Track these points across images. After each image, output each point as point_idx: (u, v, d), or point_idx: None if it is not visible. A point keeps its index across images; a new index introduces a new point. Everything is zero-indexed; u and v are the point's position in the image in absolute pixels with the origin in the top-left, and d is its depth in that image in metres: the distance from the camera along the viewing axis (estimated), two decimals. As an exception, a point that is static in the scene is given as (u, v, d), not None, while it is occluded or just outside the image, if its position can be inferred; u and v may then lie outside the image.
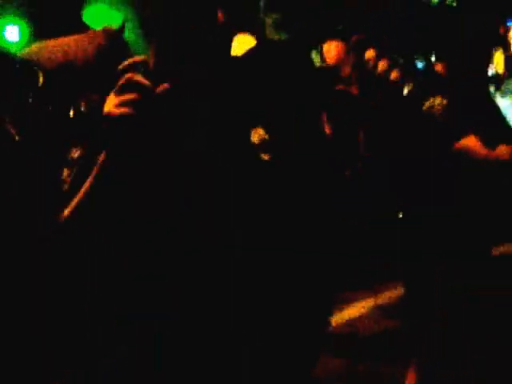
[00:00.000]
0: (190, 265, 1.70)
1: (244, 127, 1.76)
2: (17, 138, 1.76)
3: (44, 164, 1.76)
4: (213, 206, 1.71)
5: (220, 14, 1.70)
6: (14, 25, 9.07)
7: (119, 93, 1.57)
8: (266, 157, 1.75)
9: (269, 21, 11.33)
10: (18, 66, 1.83)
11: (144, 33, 1.77)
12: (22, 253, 1.74)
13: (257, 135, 1.75)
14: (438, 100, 3.37)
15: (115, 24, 2.52)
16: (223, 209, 1.72)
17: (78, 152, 1.69)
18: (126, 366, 1.73)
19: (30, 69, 1.86)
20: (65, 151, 1.69)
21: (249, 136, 1.75)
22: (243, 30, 3.19)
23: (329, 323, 1.93)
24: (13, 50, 2.08)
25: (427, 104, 3.38)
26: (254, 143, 1.75)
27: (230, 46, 1.82)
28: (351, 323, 5.57)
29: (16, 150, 1.77)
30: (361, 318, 5.69)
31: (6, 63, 1.81)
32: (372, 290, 6.14)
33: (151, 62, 1.77)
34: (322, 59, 6.72)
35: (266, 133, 1.76)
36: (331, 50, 6.43)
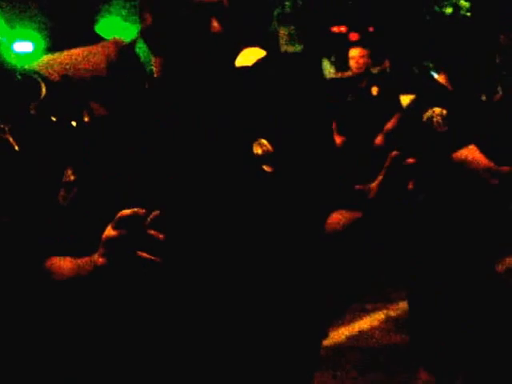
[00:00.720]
0: (191, 268, 1.70)
1: (248, 137, 1.75)
2: (16, 148, 1.75)
3: (42, 178, 1.75)
4: (215, 211, 1.70)
5: (216, 24, 1.68)
6: (27, 37, 9.05)
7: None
8: (268, 169, 1.74)
9: (282, 33, 11.31)
10: (19, 78, 1.82)
11: (147, 43, 1.77)
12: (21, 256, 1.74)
13: (260, 147, 1.75)
14: (437, 110, 3.36)
15: (129, 37, 2.53)
16: (226, 215, 1.71)
17: (73, 176, 1.67)
18: (125, 365, 1.73)
19: (32, 80, 1.85)
20: (62, 172, 1.68)
21: (252, 146, 1.74)
22: (254, 42, 3.18)
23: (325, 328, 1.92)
24: (26, 62, 2.08)
25: (427, 114, 3.37)
26: (258, 154, 1.74)
27: (233, 55, 1.81)
28: (362, 336, 5.52)
29: (15, 160, 1.76)
30: (372, 330, 5.64)
31: (7, 74, 1.79)
32: (383, 301, 6.10)
33: (157, 71, 1.77)
34: (347, 65, 6.74)
35: (270, 145, 1.75)
36: (358, 57, 6.45)
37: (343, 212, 1.74)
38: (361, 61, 6.45)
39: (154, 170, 1.70)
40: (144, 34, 1.75)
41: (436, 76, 4.08)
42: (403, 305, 5.63)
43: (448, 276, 3.46)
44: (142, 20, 1.76)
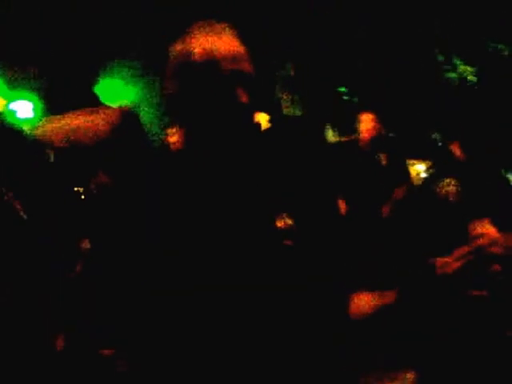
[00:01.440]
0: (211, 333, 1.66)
1: (269, 211, 1.72)
2: (24, 216, 1.73)
3: (50, 247, 1.71)
4: (236, 284, 1.67)
5: (243, 94, 1.67)
6: (26, 99, 9.13)
7: None
8: (288, 242, 1.70)
9: (284, 96, 11.42)
10: (29, 145, 1.82)
11: (167, 111, 1.72)
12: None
13: (282, 221, 1.71)
14: (451, 181, 3.33)
15: (130, 100, 2.53)
16: (246, 288, 1.67)
17: (88, 246, 1.64)
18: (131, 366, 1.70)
19: (41, 147, 1.85)
20: (76, 241, 1.66)
21: (273, 220, 1.71)
22: (258, 108, 3.18)
23: None
24: (25, 125, 2.07)
25: (441, 185, 3.34)
26: (280, 228, 1.70)
27: (253, 125, 1.79)
28: (367, 408, 5.41)
29: (22, 228, 1.74)
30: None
31: (17, 141, 1.80)
32: (383, 374, 6.01)
33: (179, 140, 1.74)
34: (350, 130, 6.77)
35: (292, 219, 1.71)
36: (371, 122, 6.48)
37: (373, 294, 1.70)
38: (375, 127, 6.47)
39: (170, 241, 1.68)
40: (167, 103, 1.74)
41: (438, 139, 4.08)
42: (409, 377, 5.54)
43: (458, 342, 3.41)
44: (165, 88, 1.75)
